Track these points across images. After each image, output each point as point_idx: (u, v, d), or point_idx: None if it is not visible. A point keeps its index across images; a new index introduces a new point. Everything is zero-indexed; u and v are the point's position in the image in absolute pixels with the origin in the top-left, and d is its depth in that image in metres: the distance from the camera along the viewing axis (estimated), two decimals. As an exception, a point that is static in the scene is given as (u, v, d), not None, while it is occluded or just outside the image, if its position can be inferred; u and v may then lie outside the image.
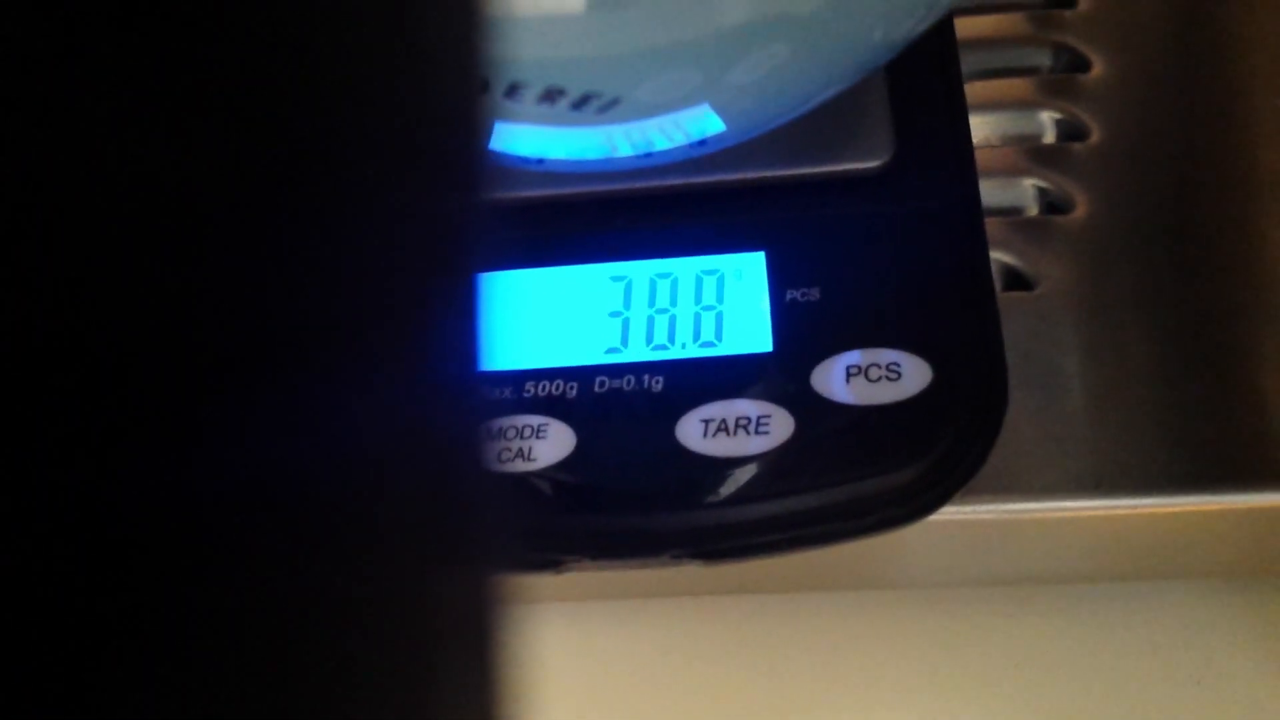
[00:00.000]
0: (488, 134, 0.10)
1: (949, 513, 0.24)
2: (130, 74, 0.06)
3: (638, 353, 0.25)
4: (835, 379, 0.24)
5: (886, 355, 0.24)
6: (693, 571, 0.24)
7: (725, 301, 0.25)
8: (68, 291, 0.06)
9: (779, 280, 0.25)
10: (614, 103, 0.20)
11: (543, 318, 0.26)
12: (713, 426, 0.24)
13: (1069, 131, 0.30)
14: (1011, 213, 0.29)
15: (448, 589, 0.08)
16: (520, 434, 0.24)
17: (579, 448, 0.24)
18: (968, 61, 0.29)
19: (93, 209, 0.06)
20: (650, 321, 0.25)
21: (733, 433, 0.23)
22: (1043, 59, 0.31)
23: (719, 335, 0.25)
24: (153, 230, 0.06)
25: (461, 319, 0.09)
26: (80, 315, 0.06)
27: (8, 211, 0.06)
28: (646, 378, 0.24)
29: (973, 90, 0.29)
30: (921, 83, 0.27)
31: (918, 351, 0.24)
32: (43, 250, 0.06)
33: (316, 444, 0.07)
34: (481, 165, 0.09)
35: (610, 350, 0.25)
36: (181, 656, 0.06)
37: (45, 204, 0.06)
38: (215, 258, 0.07)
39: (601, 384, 0.24)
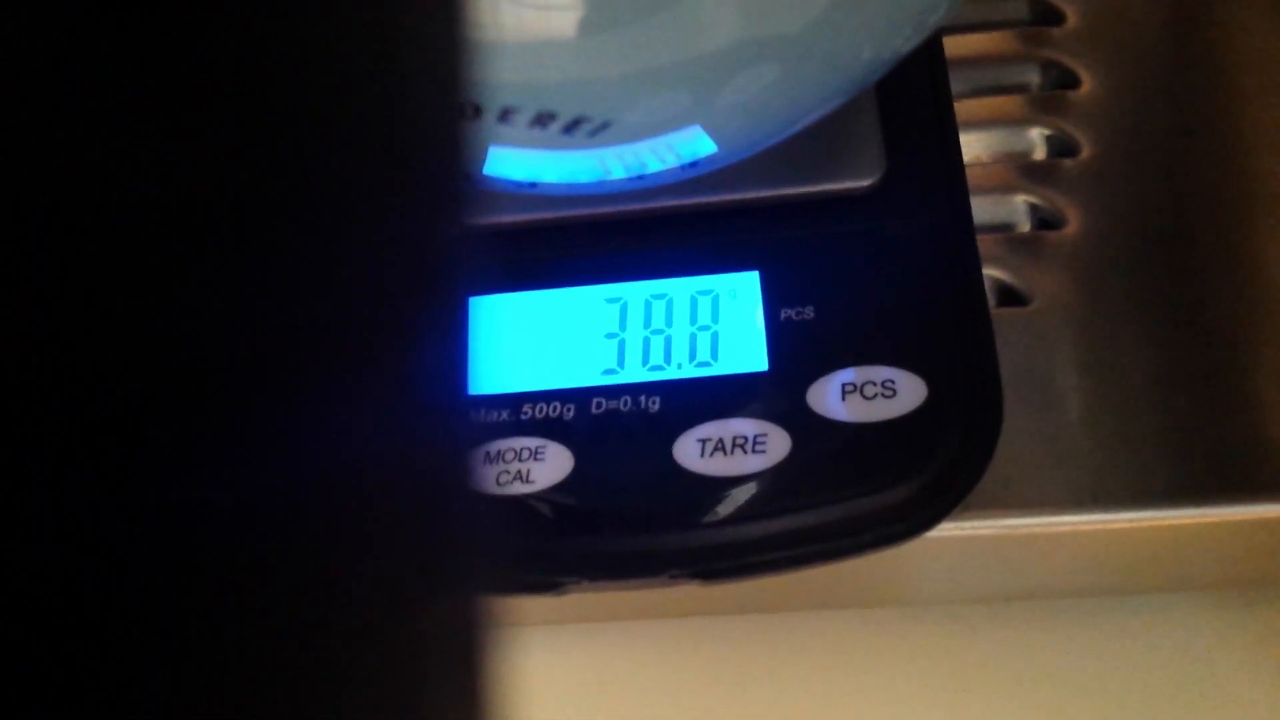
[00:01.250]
0: (472, 158, 0.10)
1: (946, 529, 0.24)
2: (128, 87, 0.06)
3: (634, 374, 0.25)
4: (831, 397, 0.24)
5: (881, 372, 0.24)
6: (691, 591, 0.24)
7: (720, 321, 0.25)
8: (66, 304, 0.06)
9: (773, 299, 0.25)
10: (605, 126, 0.20)
11: (539, 340, 0.26)
12: (710, 446, 0.24)
13: (1059, 147, 0.30)
14: (1004, 229, 0.29)
15: (433, 611, 0.08)
16: (518, 456, 0.24)
17: (577, 469, 0.24)
18: (957, 79, 0.29)
19: (91, 218, 0.06)
20: (646, 342, 0.25)
21: (730, 452, 0.23)
22: (1032, 76, 0.32)
23: (714, 355, 0.25)
24: (144, 245, 0.06)
25: (447, 342, 0.09)
26: (80, 328, 0.06)
27: (5, 217, 0.06)
28: (643, 398, 0.24)
29: (963, 108, 0.29)
30: (912, 101, 0.27)
31: (912, 368, 0.24)
32: (39, 261, 0.06)
33: (302, 464, 0.07)
34: (466, 189, 0.09)
35: (607, 371, 0.25)
36: (175, 667, 0.06)
37: (42, 213, 0.06)
38: (202, 282, 0.07)
39: (598, 405, 0.25)
